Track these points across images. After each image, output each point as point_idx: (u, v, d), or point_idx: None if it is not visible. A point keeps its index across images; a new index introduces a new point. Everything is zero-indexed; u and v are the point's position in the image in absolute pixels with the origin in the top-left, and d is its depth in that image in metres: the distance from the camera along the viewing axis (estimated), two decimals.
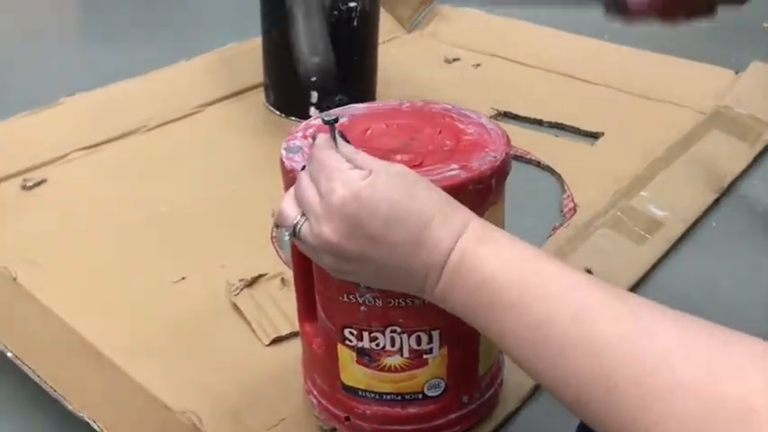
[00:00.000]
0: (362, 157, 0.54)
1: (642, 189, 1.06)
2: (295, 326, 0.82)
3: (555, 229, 1.00)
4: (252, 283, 0.90)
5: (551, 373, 0.46)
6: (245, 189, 1.09)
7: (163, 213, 1.04)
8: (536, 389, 0.77)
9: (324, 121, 0.56)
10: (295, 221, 0.55)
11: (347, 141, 0.57)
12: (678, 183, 1.09)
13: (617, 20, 0.60)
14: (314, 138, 0.57)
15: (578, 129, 1.25)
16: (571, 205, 1.06)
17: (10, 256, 0.94)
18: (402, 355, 0.64)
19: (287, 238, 0.56)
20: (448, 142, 0.63)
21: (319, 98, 1.22)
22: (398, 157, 0.61)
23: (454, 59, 1.48)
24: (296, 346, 0.78)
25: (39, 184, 1.10)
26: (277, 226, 1.00)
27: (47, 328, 0.84)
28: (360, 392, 0.67)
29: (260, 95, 1.32)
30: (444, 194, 0.53)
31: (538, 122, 1.27)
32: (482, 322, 0.50)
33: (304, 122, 0.67)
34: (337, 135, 0.56)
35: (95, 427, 0.71)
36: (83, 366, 0.80)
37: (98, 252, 0.97)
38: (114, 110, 1.26)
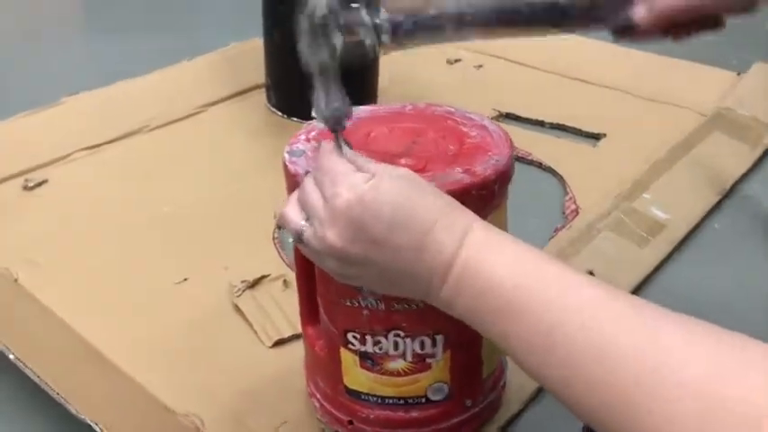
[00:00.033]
0: (366, 161, 0.54)
1: (644, 191, 1.06)
2: (297, 328, 0.81)
3: (557, 230, 1.00)
4: (254, 284, 0.90)
5: (557, 377, 0.46)
6: (247, 189, 1.09)
7: (165, 214, 1.04)
8: (539, 391, 0.77)
9: (328, 126, 0.56)
10: (299, 226, 0.54)
11: (350, 146, 0.56)
12: (680, 185, 1.09)
13: (626, 42, 0.60)
14: (317, 141, 0.57)
15: (580, 130, 1.25)
16: (573, 207, 1.06)
17: (11, 257, 0.94)
18: (405, 360, 0.64)
19: (291, 241, 0.56)
20: (451, 146, 0.63)
21: None
22: (402, 161, 0.61)
23: (456, 60, 1.48)
24: (298, 349, 0.78)
25: (40, 184, 1.10)
26: (279, 227, 1.00)
27: (48, 329, 0.84)
28: (363, 396, 0.67)
29: (262, 96, 1.32)
30: (448, 198, 0.53)
31: (539, 124, 1.27)
32: (487, 327, 0.50)
33: (306, 125, 0.67)
34: (341, 140, 0.56)
35: (97, 429, 0.71)
36: (84, 368, 0.80)
37: (100, 253, 0.97)
38: (116, 110, 1.26)
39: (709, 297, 0.93)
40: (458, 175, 0.58)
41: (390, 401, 0.67)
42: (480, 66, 1.46)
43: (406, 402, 0.67)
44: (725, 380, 0.39)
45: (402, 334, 0.63)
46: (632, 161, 1.13)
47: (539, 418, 0.76)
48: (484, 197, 0.59)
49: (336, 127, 0.56)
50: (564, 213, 1.05)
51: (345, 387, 0.68)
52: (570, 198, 1.08)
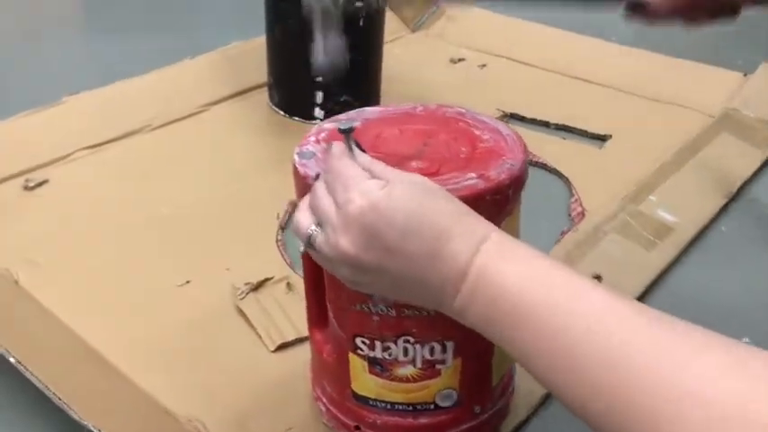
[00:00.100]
0: (379, 166, 0.53)
1: (651, 193, 1.05)
2: (301, 332, 0.81)
3: (563, 233, 0.99)
4: (257, 287, 0.89)
5: (563, 381, 0.46)
6: (250, 189, 1.08)
7: (166, 214, 1.03)
8: (547, 397, 0.76)
9: (339, 129, 0.55)
10: (310, 232, 0.53)
11: (363, 150, 0.55)
12: (687, 187, 1.08)
13: (637, 22, 0.58)
14: (328, 144, 0.56)
15: (586, 131, 1.24)
16: (579, 209, 1.05)
17: (11, 257, 0.92)
18: (415, 366, 0.63)
19: (301, 249, 0.55)
20: (464, 149, 0.62)
21: (324, 99, 1.21)
22: (414, 164, 0.60)
23: (459, 60, 1.47)
24: (302, 353, 0.77)
25: (41, 184, 1.09)
26: (282, 229, 0.99)
27: (48, 330, 0.83)
28: (371, 402, 0.66)
29: (264, 95, 1.31)
30: (463, 205, 0.52)
31: (544, 124, 1.26)
32: (500, 336, 0.50)
33: (316, 126, 0.66)
34: (352, 144, 0.55)
35: None
36: (85, 370, 0.79)
37: (101, 253, 0.96)
38: (117, 109, 1.25)
39: (717, 300, 0.92)
40: (471, 180, 0.57)
41: (399, 407, 0.66)
42: (484, 65, 1.45)
43: (414, 408, 0.66)
44: (745, 395, 0.39)
45: (412, 340, 0.62)
46: (638, 162, 1.12)
47: (547, 424, 0.75)
48: (498, 203, 0.58)
49: (335, 75, 0.55)
50: (570, 215, 1.05)
51: (353, 392, 0.67)
52: (576, 200, 1.07)
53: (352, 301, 0.61)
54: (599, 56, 1.44)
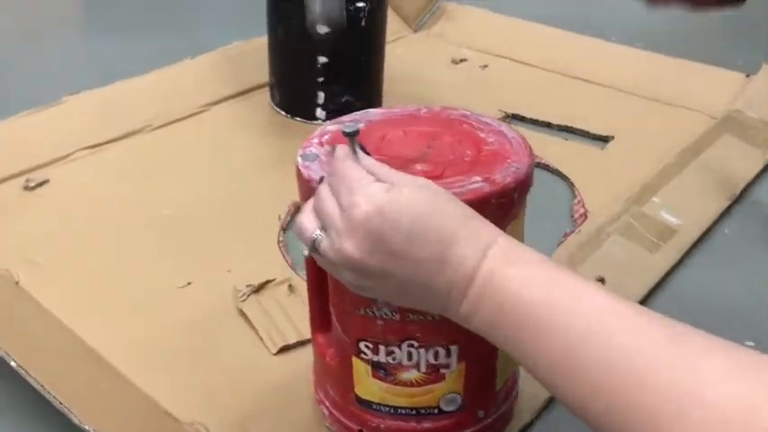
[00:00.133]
0: (384, 169, 0.53)
1: (654, 195, 1.05)
2: (303, 334, 0.80)
3: (566, 235, 0.99)
4: (259, 288, 0.88)
5: (564, 382, 0.46)
6: (251, 190, 1.07)
7: (167, 215, 1.03)
8: (551, 400, 0.76)
9: (344, 132, 0.55)
10: (315, 236, 0.53)
11: (367, 153, 0.55)
12: (690, 189, 1.08)
13: (644, 5, 0.58)
14: (331, 146, 0.56)
15: (588, 132, 1.23)
16: (582, 211, 1.04)
17: (11, 257, 0.92)
18: (419, 370, 0.63)
19: (305, 252, 0.55)
20: (468, 151, 0.62)
21: (326, 99, 1.21)
22: (418, 166, 0.59)
23: (461, 60, 1.46)
24: (304, 355, 0.76)
25: (41, 184, 1.08)
26: (284, 230, 0.99)
27: (48, 330, 0.82)
28: (374, 406, 0.66)
29: (265, 95, 1.30)
30: (468, 209, 0.52)
31: (546, 125, 1.26)
32: (504, 339, 0.50)
33: (319, 128, 0.65)
34: (357, 146, 0.54)
35: None
36: (85, 372, 0.78)
37: (101, 254, 0.95)
38: (118, 109, 1.24)
39: (720, 302, 0.92)
40: (477, 184, 0.57)
41: (402, 411, 0.66)
42: (485, 66, 1.45)
43: (418, 413, 0.65)
44: (748, 397, 0.39)
45: (416, 344, 0.61)
46: (641, 164, 1.12)
47: (550, 428, 0.75)
48: (503, 206, 0.57)
49: (332, 27, 0.54)
50: (573, 217, 1.04)
51: (356, 396, 0.66)
52: (579, 202, 1.06)
53: (355, 305, 0.60)
54: (599, 56, 1.44)
